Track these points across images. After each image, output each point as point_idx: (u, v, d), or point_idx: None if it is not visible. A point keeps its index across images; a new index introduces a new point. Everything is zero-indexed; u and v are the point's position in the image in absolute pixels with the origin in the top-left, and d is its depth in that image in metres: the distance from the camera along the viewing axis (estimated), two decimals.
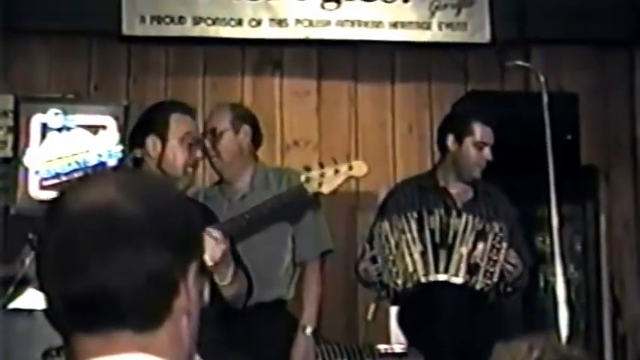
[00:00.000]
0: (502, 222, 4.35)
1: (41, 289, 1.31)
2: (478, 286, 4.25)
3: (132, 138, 3.73)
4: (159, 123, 3.58)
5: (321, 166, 3.65)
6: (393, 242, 4.32)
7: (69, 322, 1.29)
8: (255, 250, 4.06)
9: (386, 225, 4.36)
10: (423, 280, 4.28)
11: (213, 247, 3.33)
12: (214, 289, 3.31)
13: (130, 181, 1.36)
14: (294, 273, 4.40)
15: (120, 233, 1.27)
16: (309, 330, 4.32)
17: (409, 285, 4.29)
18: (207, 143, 4.26)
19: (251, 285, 3.63)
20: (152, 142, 3.55)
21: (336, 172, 3.65)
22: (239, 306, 3.63)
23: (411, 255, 4.29)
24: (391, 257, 4.32)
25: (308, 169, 3.65)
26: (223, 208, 4.10)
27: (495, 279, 4.26)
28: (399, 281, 4.30)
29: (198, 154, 3.65)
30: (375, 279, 4.41)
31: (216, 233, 3.36)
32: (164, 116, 3.60)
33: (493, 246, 4.28)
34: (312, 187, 3.63)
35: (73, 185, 1.38)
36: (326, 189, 3.65)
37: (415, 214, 4.35)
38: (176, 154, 3.55)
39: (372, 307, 4.51)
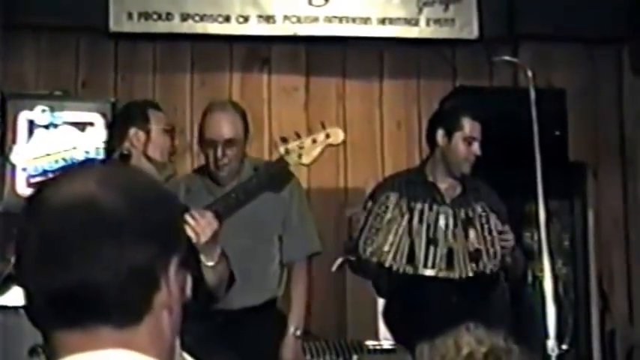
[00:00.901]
0: (482, 202, 4.39)
1: (20, 284, 1.29)
2: (488, 270, 4.29)
3: (112, 134, 3.91)
4: (139, 116, 3.78)
5: (298, 136, 3.67)
6: (388, 216, 4.35)
7: (49, 317, 1.27)
8: (246, 252, 4.06)
9: (394, 197, 4.37)
10: (408, 271, 4.30)
11: (204, 227, 3.37)
12: (197, 284, 3.31)
13: (111, 175, 1.34)
14: (282, 271, 4.39)
15: (101, 227, 1.25)
16: (298, 332, 4.33)
17: (373, 259, 4.32)
18: (219, 152, 4.16)
19: (232, 274, 3.65)
20: (135, 133, 3.72)
21: (314, 141, 3.68)
22: (220, 295, 3.64)
23: (395, 238, 4.31)
24: (377, 226, 4.34)
25: (285, 140, 3.67)
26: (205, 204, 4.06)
27: (499, 256, 4.31)
28: (368, 250, 4.33)
29: (176, 143, 3.87)
30: (355, 236, 4.44)
31: (208, 213, 3.42)
32: (142, 110, 3.82)
33: (482, 226, 4.32)
34: (292, 159, 3.67)
35: (52, 179, 1.36)
36: (306, 159, 3.69)
37: (420, 205, 4.38)
38: (161, 142, 3.76)
39: (339, 261, 4.56)
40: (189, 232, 3.36)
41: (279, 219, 4.32)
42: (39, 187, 1.34)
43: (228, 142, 4.15)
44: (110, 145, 3.85)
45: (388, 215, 4.35)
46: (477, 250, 4.31)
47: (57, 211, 1.27)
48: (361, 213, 4.49)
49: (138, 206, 1.29)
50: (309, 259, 4.47)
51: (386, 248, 4.32)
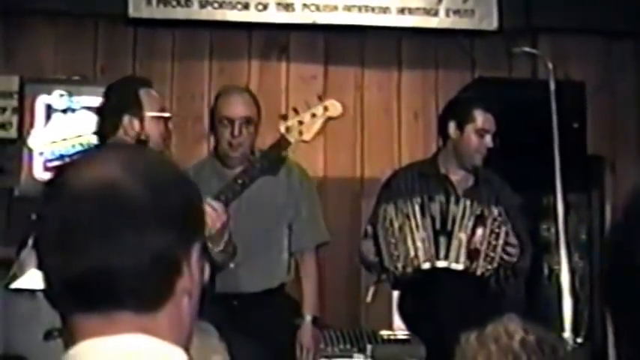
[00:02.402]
0: (501, 207, 4.34)
1: (40, 267, 1.29)
2: (479, 272, 4.24)
3: (103, 120, 3.74)
4: (130, 101, 3.64)
5: (296, 112, 3.66)
6: (396, 225, 4.31)
7: (68, 302, 1.27)
8: (257, 239, 4.08)
9: (391, 208, 4.34)
10: (423, 266, 4.27)
11: (213, 218, 3.42)
12: (213, 268, 3.34)
13: (133, 160, 1.32)
14: (290, 258, 4.40)
15: (122, 213, 1.24)
16: (312, 318, 4.35)
17: (409, 270, 4.28)
18: (236, 129, 4.15)
19: (234, 248, 3.70)
20: (129, 121, 3.62)
21: (313, 115, 3.67)
22: (225, 267, 3.70)
23: (413, 240, 4.28)
24: (393, 240, 4.30)
25: (284, 117, 3.66)
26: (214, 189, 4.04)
27: (495, 264, 4.25)
28: (399, 265, 4.29)
29: (170, 127, 3.77)
30: (373, 260, 4.40)
31: (217, 205, 3.45)
32: (135, 94, 3.66)
33: (492, 231, 4.26)
34: (293, 137, 3.66)
35: (73, 162, 1.34)
36: (307, 136, 3.69)
37: (419, 200, 4.33)
38: (155, 130, 3.65)
39: (372, 290, 4.51)
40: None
41: (290, 207, 4.33)
42: (59, 171, 1.33)
43: (245, 121, 4.15)
44: (102, 131, 3.72)
45: (396, 225, 4.32)
46: (476, 250, 4.26)
47: (77, 196, 1.26)
48: (370, 242, 4.43)
49: (160, 191, 1.28)
50: (317, 248, 4.48)
51: (412, 254, 4.29)
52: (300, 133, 3.66)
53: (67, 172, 1.30)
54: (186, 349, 1.31)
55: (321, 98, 3.75)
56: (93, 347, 1.24)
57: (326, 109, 3.72)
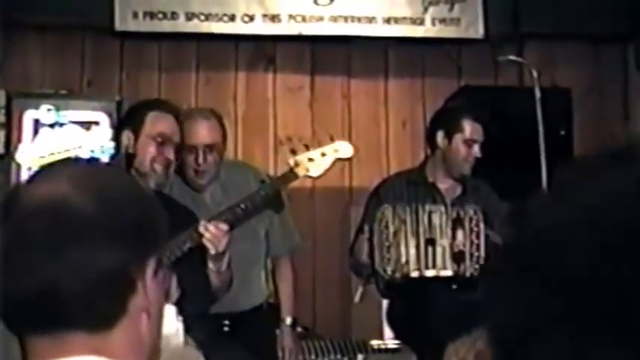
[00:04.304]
0: (476, 206, 4.35)
1: None
2: (468, 273, 4.25)
3: (116, 132, 3.84)
4: (135, 119, 3.65)
5: (307, 148, 3.69)
6: (392, 229, 4.31)
7: (19, 322, 1.24)
8: (245, 257, 4.07)
9: (389, 211, 4.34)
10: (412, 274, 4.27)
11: (219, 239, 3.43)
12: (184, 287, 3.31)
13: (84, 175, 1.29)
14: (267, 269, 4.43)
15: (69, 230, 1.21)
16: (290, 321, 4.36)
17: (397, 275, 4.28)
18: (200, 157, 4.04)
19: (231, 277, 3.69)
20: (126, 137, 3.63)
21: (323, 155, 3.69)
22: (220, 297, 3.67)
23: (406, 247, 4.28)
24: (387, 243, 4.30)
25: (294, 152, 3.69)
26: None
27: (482, 261, 4.26)
28: (389, 269, 4.29)
29: (171, 155, 3.65)
30: (365, 260, 4.40)
31: (223, 225, 3.46)
32: (141, 113, 3.67)
33: (471, 229, 4.27)
34: (301, 172, 3.68)
35: (28, 180, 1.32)
36: (315, 172, 3.71)
37: (415, 207, 4.34)
38: (145, 150, 3.60)
39: (360, 290, 4.51)
40: (207, 243, 3.41)
41: (265, 215, 4.31)
42: (13, 189, 1.30)
43: (209, 148, 4.05)
44: (116, 144, 3.81)
45: (391, 229, 4.32)
46: (461, 252, 4.27)
47: (27, 213, 1.23)
48: (364, 239, 4.43)
49: (111, 207, 1.24)
50: (291, 253, 4.49)
51: (403, 260, 4.29)
52: (308, 169, 3.69)
53: (20, 190, 1.28)
54: None
55: (332, 139, 3.78)
56: None
57: (336, 150, 3.76)
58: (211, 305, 3.65)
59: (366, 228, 4.43)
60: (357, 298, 4.53)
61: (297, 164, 3.67)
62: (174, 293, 1.24)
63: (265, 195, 3.71)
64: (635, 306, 0.70)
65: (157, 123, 3.66)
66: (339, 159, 3.79)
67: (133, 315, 1.25)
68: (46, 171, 1.38)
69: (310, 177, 3.75)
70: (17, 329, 1.25)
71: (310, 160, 3.68)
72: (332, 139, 3.79)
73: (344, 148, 3.81)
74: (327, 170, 3.75)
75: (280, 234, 4.36)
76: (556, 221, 0.78)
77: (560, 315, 0.74)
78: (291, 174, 3.70)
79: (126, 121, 3.75)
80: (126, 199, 1.28)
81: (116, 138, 3.85)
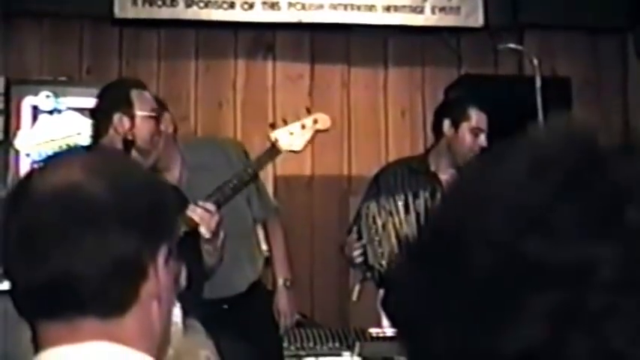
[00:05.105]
0: None
1: (5, 274, 1.26)
2: None
3: (96, 121, 3.75)
4: (122, 100, 3.65)
5: (285, 122, 3.70)
6: (380, 223, 4.31)
7: (33, 309, 1.25)
8: (235, 237, 4.06)
9: (374, 206, 4.34)
10: None
11: (209, 220, 3.43)
12: (191, 273, 3.33)
13: (98, 163, 1.30)
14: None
15: (83, 217, 1.22)
16: (287, 282, 4.37)
17: (393, 266, 4.27)
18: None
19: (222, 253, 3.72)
20: (119, 119, 3.61)
21: (303, 127, 3.70)
22: (211, 275, 3.68)
23: (397, 237, 4.29)
24: (377, 238, 4.30)
25: (273, 126, 3.69)
26: None
27: None
28: (384, 262, 4.29)
29: (162, 127, 3.74)
30: (358, 260, 4.40)
31: (210, 206, 3.46)
32: (125, 93, 3.67)
33: None
34: (284, 146, 3.68)
35: (39, 167, 1.33)
36: (297, 146, 3.72)
37: (402, 197, 4.34)
38: (146, 128, 3.64)
39: (357, 288, 4.51)
40: (200, 226, 3.42)
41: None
42: (26, 175, 1.32)
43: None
44: (95, 131, 3.72)
45: (379, 222, 4.32)
46: None
47: (40, 201, 1.24)
48: (353, 239, 4.43)
49: (124, 195, 1.25)
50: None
51: (396, 250, 4.30)
52: (290, 143, 3.68)
53: (32, 178, 1.29)
54: (159, 358, 1.29)
55: (309, 111, 3.78)
56: (55, 357, 1.23)
57: (315, 121, 3.77)
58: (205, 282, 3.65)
59: (354, 229, 4.43)
60: (354, 297, 4.52)
61: (277, 139, 3.67)
62: (183, 281, 1.25)
63: (252, 172, 3.74)
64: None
65: (145, 100, 3.70)
66: (319, 130, 3.79)
67: (145, 302, 1.26)
68: (57, 160, 1.39)
69: (294, 152, 3.75)
70: (30, 315, 1.26)
71: (291, 133, 3.69)
72: (309, 112, 3.76)
73: (322, 119, 3.81)
74: (309, 143, 3.75)
75: (263, 198, 4.36)
76: (447, 212, 0.80)
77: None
78: (273, 149, 3.70)
79: (111, 104, 3.67)
80: (139, 186, 1.30)
81: (98, 124, 3.73)
